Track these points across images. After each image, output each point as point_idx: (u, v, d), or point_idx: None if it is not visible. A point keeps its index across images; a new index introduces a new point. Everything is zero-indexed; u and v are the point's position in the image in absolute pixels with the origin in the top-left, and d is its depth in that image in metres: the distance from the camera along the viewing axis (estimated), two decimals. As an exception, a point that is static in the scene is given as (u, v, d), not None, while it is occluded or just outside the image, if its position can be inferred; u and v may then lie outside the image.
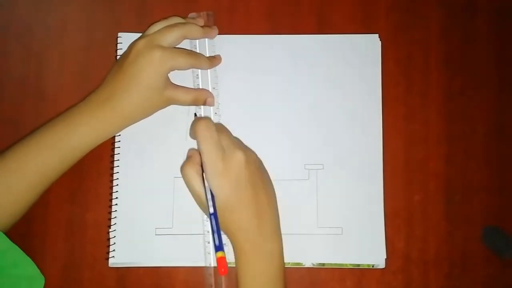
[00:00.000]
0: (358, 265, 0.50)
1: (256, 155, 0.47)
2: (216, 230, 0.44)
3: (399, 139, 0.52)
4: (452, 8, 0.54)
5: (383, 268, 0.50)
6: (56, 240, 0.50)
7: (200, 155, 0.45)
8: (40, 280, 0.44)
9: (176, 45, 0.49)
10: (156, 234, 0.50)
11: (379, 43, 0.53)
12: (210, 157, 0.44)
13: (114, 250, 0.50)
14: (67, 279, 0.50)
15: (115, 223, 0.50)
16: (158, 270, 0.50)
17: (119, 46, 0.53)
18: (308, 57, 0.53)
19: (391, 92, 0.53)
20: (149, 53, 0.46)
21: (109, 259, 0.50)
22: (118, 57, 0.52)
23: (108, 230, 0.50)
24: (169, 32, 0.48)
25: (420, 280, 0.51)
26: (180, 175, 0.50)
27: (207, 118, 0.47)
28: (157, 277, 0.50)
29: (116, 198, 0.51)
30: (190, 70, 0.51)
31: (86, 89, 0.51)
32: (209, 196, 0.44)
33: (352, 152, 0.52)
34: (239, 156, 0.44)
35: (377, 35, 0.53)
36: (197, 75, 0.52)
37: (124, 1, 0.54)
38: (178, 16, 0.51)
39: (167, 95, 0.48)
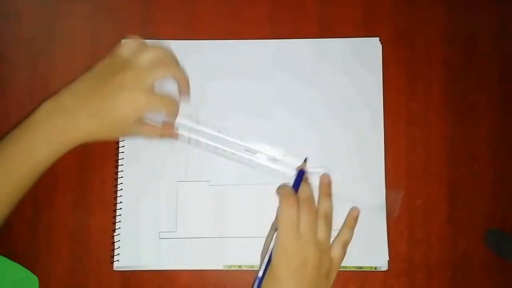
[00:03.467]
0: (361, 267, 0.51)
1: (328, 255, 0.46)
2: None
3: (401, 142, 0.53)
4: (454, 11, 0.54)
5: (386, 271, 0.51)
6: (62, 244, 0.51)
7: None
8: (35, 280, 0.45)
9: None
10: (160, 238, 0.51)
11: (380, 46, 0.53)
12: (283, 236, 0.45)
13: (118, 253, 0.50)
14: (72, 283, 0.51)
15: (120, 227, 0.51)
16: (162, 273, 0.51)
17: (122, 52, 0.53)
18: (309, 61, 0.53)
19: (393, 96, 0.53)
20: (133, 94, 0.45)
21: (114, 262, 0.50)
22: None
23: (113, 234, 0.51)
24: (159, 73, 0.47)
25: (423, 284, 0.51)
26: (184, 179, 0.51)
27: (292, 196, 0.46)
28: (161, 281, 0.51)
29: (121, 202, 0.51)
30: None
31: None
32: (266, 260, 0.45)
33: (354, 155, 0.52)
34: (310, 253, 0.45)
35: (378, 38, 0.53)
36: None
37: (128, 8, 0.55)
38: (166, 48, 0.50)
39: (133, 130, 0.47)
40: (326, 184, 0.50)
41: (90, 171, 0.52)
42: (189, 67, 0.52)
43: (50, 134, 0.45)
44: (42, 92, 0.53)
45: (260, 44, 0.54)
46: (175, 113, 0.49)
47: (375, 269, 0.51)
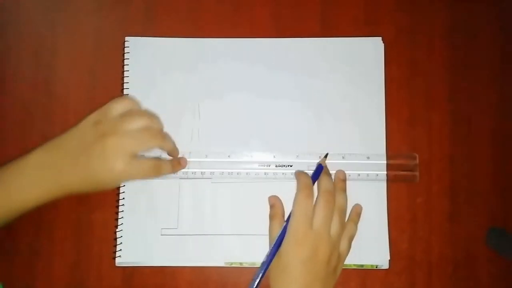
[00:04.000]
0: (362, 265, 0.51)
1: (338, 250, 0.47)
2: (260, 276, 0.46)
3: (403, 141, 0.53)
4: (456, 11, 0.55)
5: (387, 269, 0.51)
6: (64, 239, 0.51)
7: (282, 205, 0.49)
8: None
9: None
10: (161, 235, 0.51)
11: (382, 45, 0.54)
12: (295, 226, 0.46)
13: (120, 249, 0.51)
14: (74, 278, 0.51)
15: (122, 223, 0.51)
16: (163, 269, 0.51)
17: (126, 50, 0.54)
18: (311, 60, 0.54)
19: (395, 95, 0.53)
20: (114, 163, 0.45)
21: (116, 258, 0.51)
22: (125, 61, 0.53)
23: (115, 230, 0.51)
24: (144, 144, 0.47)
25: (424, 281, 0.51)
26: (186, 177, 0.51)
27: (310, 189, 0.47)
28: (163, 277, 0.51)
29: (123, 198, 0.51)
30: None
31: (94, 92, 0.53)
32: (272, 247, 0.46)
33: (356, 154, 0.52)
34: (322, 246, 0.45)
35: (380, 38, 0.54)
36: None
37: (131, 6, 0.55)
38: (157, 120, 0.49)
39: (118, 185, 0.50)
40: (341, 180, 0.50)
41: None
42: (191, 64, 0.53)
43: (37, 183, 0.46)
44: (45, 89, 0.54)
45: (263, 43, 0.54)
46: (162, 174, 0.49)
47: (376, 267, 0.51)
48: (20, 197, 0.46)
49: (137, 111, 0.48)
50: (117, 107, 0.47)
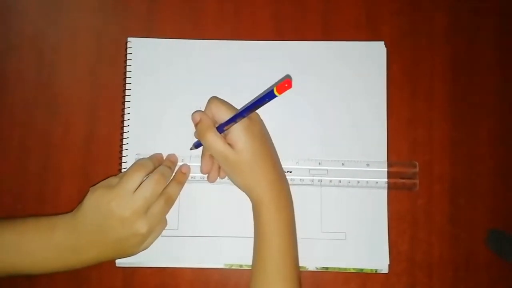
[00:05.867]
0: (362, 269, 0.51)
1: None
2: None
3: (404, 143, 0.53)
4: (457, 14, 0.55)
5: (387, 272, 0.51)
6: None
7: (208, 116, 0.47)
8: None
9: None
10: (162, 236, 0.50)
11: (385, 50, 0.54)
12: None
13: (121, 250, 0.50)
14: (75, 278, 0.51)
15: (122, 224, 0.51)
16: (164, 270, 0.51)
17: (128, 50, 0.54)
18: (313, 63, 0.54)
19: (396, 97, 0.53)
20: (132, 226, 0.45)
21: (116, 259, 0.51)
22: (127, 61, 0.53)
23: (115, 230, 0.51)
24: (154, 194, 0.46)
25: (424, 283, 0.51)
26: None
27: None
28: (163, 277, 0.51)
29: (124, 199, 0.51)
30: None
31: (96, 92, 0.53)
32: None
33: (357, 156, 0.52)
34: (255, 115, 0.48)
35: (383, 42, 0.54)
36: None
37: (134, 6, 0.55)
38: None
39: (146, 247, 0.48)
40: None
41: (95, 167, 0.52)
42: (192, 65, 0.53)
43: (63, 254, 0.46)
44: (47, 89, 0.54)
45: (265, 46, 0.54)
46: (175, 199, 0.50)
47: (376, 272, 0.51)
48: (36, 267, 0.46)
49: (127, 171, 0.47)
50: (110, 180, 0.47)
